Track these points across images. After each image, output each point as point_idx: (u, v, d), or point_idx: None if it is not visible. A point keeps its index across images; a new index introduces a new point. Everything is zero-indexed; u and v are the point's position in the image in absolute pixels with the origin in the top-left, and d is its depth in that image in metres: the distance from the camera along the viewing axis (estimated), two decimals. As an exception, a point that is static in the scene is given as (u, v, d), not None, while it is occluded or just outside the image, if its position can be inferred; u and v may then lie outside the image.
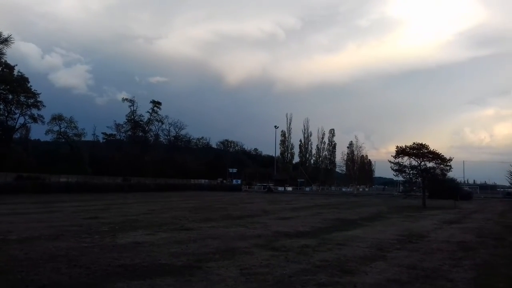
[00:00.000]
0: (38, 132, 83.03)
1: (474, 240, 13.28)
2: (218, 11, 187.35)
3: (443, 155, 34.51)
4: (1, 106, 60.41)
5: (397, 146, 35.58)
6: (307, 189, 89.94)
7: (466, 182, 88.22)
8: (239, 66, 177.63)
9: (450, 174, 40.08)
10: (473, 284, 7.32)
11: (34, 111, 63.71)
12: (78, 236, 11.61)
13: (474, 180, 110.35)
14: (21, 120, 64.37)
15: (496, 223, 19.90)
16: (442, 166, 34.66)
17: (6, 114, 61.18)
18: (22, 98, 61.65)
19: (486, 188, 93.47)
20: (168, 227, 14.10)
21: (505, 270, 8.65)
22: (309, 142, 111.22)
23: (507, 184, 71.02)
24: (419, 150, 34.39)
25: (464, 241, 12.76)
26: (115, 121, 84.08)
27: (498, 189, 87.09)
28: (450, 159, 34.81)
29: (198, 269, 7.67)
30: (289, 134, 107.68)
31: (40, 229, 12.90)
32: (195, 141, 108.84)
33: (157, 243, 10.67)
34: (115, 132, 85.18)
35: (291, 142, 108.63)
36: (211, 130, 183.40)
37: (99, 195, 36.32)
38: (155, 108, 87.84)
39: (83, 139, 77.03)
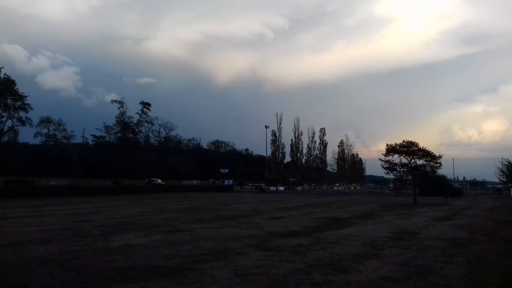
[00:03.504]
0: (26, 135, 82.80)
1: (466, 236, 13.40)
2: (205, 12, 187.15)
3: (432, 153, 34.79)
4: (-12, 110, 59.88)
5: (387, 144, 35.79)
6: (299, 188, 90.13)
7: (456, 179, 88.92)
8: (228, 67, 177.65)
9: (440, 171, 40.45)
10: (466, 280, 7.37)
11: (22, 114, 63.48)
12: (70, 239, 11.51)
13: (464, 177, 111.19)
14: (8, 123, 64.03)
15: (486, 219, 20.10)
16: (432, 163, 34.90)
17: (-7, 118, 60.63)
18: (9, 101, 61.17)
19: (476, 185, 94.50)
20: (161, 229, 14.02)
21: (497, 266, 8.73)
22: (300, 142, 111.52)
23: (496, 180, 71.90)
24: (409, 148, 34.62)
25: (456, 238, 12.88)
26: (104, 123, 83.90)
27: (488, 185, 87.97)
28: (440, 156, 35.10)
29: (192, 271, 7.64)
30: (280, 133, 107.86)
31: (31, 233, 12.77)
32: (185, 142, 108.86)
33: (150, 245, 10.61)
34: (105, 134, 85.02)
35: (282, 141, 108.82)
36: (201, 131, 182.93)
37: (90, 198, 35.99)
38: (145, 109, 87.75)
39: (72, 141, 76.81)
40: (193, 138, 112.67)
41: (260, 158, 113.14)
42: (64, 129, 71.98)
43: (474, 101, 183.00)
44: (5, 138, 68.34)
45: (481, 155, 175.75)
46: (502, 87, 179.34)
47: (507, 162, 63.54)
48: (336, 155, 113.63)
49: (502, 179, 66.84)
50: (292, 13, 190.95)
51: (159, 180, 68.43)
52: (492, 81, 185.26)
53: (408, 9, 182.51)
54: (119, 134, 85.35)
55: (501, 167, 64.50)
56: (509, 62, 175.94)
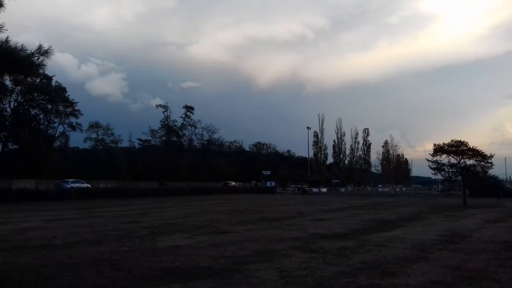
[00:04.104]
0: (77, 140, 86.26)
1: (521, 239, 12.75)
2: (246, 15, 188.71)
3: (483, 152, 33.31)
4: (41, 116, 63.04)
5: (435, 144, 34.63)
6: (342, 189, 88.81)
7: (508, 179, 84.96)
8: (269, 69, 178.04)
9: (492, 172, 38.64)
10: (522, 285, 7.02)
11: (73, 120, 66.24)
12: (120, 240, 11.90)
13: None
14: (60, 128, 66.95)
15: (543, 222, 19.03)
16: (482, 163, 33.44)
17: (46, 123, 63.80)
18: (60, 107, 64.05)
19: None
20: (206, 230, 14.25)
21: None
22: (343, 142, 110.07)
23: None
24: (458, 148, 33.34)
25: (510, 241, 12.26)
26: (149, 127, 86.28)
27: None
28: (491, 156, 33.54)
29: (237, 272, 7.71)
30: (322, 134, 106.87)
31: (83, 234, 13.32)
32: (228, 144, 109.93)
33: (196, 246, 10.80)
34: (150, 138, 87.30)
35: (324, 142, 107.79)
36: (243, 133, 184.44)
37: (136, 200, 37.12)
38: (188, 113, 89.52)
39: (119, 145, 79.23)
40: (235, 141, 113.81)
41: (302, 160, 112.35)
42: (112, 134, 74.56)
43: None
44: (57, 143, 71.58)
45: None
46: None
47: None
48: (381, 156, 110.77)
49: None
50: (333, 13, 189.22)
51: (233, 183, 76.31)
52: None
53: (454, 4, 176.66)
54: (163, 138, 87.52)
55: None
56: None
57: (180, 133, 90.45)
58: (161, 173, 71.08)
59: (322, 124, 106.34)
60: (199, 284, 6.88)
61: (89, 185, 49.31)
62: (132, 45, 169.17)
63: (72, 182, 47.88)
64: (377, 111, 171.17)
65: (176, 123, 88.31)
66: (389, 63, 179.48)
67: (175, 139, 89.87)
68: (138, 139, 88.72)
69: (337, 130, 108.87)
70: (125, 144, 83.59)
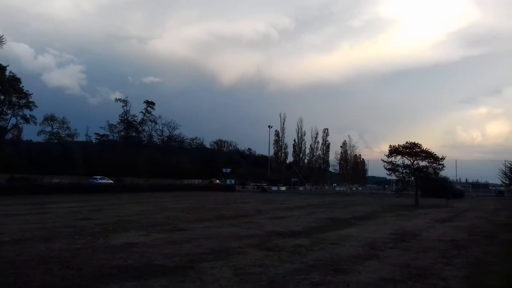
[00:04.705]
0: (30, 133, 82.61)
1: (466, 238, 13.38)
2: (211, 11, 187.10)
3: (435, 154, 34.72)
4: (-7, 107, 60.16)
5: (390, 145, 35.76)
6: (301, 188, 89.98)
7: (458, 180, 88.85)
8: (233, 66, 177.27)
9: (443, 173, 40.30)
10: (466, 282, 7.37)
11: (26, 112, 63.76)
12: (71, 237, 11.55)
13: (466, 179, 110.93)
14: (13, 120, 64.32)
15: (488, 222, 20.05)
16: (434, 165, 34.85)
17: (-3, 115, 60.92)
18: (14, 99, 61.42)
19: (478, 187, 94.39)
20: (162, 228, 14.07)
21: (497, 268, 8.72)
22: (303, 142, 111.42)
23: (499, 182, 71.82)
24: (412, 149, 34.57)
25: (456, 240, 12.84)
26: (108, 121, 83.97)
27: (490, 188, 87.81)
28: (443, 158, 35.01)
29: (192, 270, 7.66)
30: (283, 133, 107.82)
31: (32, 230, 12.83)
32: (188, 141, 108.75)
33: (151, 243, 10.64)
34: (108, 133, 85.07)
35: (285, 141, 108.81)
36: (204, 130, 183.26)
37: (91, 196, 36.09)
38: (149, 108, 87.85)
39: (75, 139, 77.01)
40: (196, 138, 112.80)
41: (263, 158, 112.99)
42: (67, 127, 72.37)
43: (478, 103, 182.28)
44: (9, 136, 68.69)
45: (484, 157, 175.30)
46: (506, 89, 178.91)
47: (510, 164, 63.63)
48: (339, 156, 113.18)
49: (504, 181, 66.99)
50: (297, 13, 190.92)
51: (217, 181, 78.90)
52: (497, 83, 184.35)
53: (414, 10, 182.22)
54: (122, 133, 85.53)
55: (504, 170, 64.65)
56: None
57: (140, 128, 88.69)
58: (119, 169, 69.52)
59: (284, 123, 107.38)
60: (152, 282, 6.78)
61: (111, 181, 56.85)
62: (93, 37, 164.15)
63: (100, 178, 56.31)
64: (337, 112, 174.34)
65: (135, 118, 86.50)
66: (350, 65, 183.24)
67: (134, 134, 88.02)
68: (95, 133, 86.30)
69: (298, 129, 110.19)
70: (81, 138, 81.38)
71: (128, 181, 60.13)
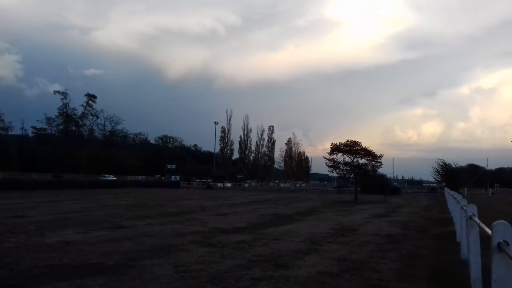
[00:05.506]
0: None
1: (401, 232, 14.08)
2: (157, 4, 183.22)
3: (374, 152, 36.30)
4: None
5: (332, 143, 36.95)
6: (246, 185, 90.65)
7: (395, 177, 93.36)
8: (179, 61, 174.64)
9: (381, 170, 42.36)
10: (398, 275, 7.72)
11: (-45, 103, 59.15)
12: (2, 235, 10.92)
13: (402, 176, 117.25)
14: None
15: (420, 217, 21.21)
16: (373, 162, 36.41)
17: None
18: None
19: (414, 183, 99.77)
20: (101, 225, 13.62)
21: (428, 261, 9.22)
22: (249, 139, 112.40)
23: (432, 179, 76.28)
24: (352, 147, 35.85)
25: (391, 234, 13.49)
26: (46, 114, 79.98)
27: (424, 184, 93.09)
28: (381, 156, 36.70)
29: (131, 268, 7.50)
30: (229, 130, 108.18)
31: (-43, 229, 11.99)
32: (132, 136, 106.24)
33: (89, 241, 10.29)
34: (46, 126, 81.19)
35: (231, 138, 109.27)
36: (149, 125, 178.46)
37: (27, 193, 34.23)
38: (90, 102, 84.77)
39: (10, 133, 72.75)
40: (140, 133, 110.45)
41: (209, 155, 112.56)
42: (1, 120, 68.26)
43: (415, 104, 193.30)
44: None
45: (419, 156, 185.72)
46: (441, 91, 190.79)
47: (442, 162, 67.81)
48: (284, 153, 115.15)
49: (437, 178, 71.25)
50: (244, 11, 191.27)
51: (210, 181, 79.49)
52: (432, 85, 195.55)
53: (358, 13, 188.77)
54: (61, 127, 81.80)
55: (436, 167, 68.77)
56: (447, 67, 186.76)
57: (80, 122, 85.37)
58: (57, 165, 66.45)
59: (230, 120, 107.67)
60: (88, 281, 6.57)
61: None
62: (31, 25, 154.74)
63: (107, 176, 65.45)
64: (282, 109, 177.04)
65: (76, 112, 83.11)
66: (296, 64, 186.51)
67: (74, 128, 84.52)
68: (32, 127, 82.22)
69: (244, 126, 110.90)
70: (16, 131, 77.04)
71: (68, 177, 57.61)
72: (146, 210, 20.40)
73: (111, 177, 67.86)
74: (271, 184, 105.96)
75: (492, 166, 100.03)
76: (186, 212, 19.73)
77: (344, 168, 36.48)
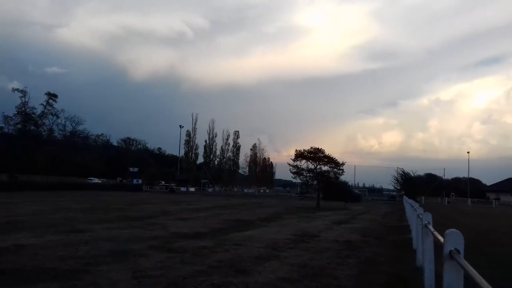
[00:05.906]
0: None
1: (360, 239, 14.38)
2: (124, 4, 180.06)
3: (336, 160, 36.98)
4: None
5: (296, 150, 37.39)
6: (210, 190, 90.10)
7: (356, 185, 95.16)
8: (145, 62, 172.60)
9: (343, 178, 43.06)
10: (356, 281, 7.87)
11: None
12: (-51, 239, 10.39)
13: (363, 184, 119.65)
14: None
15: (379, 224, 21.74)
16: (335, 169, 37.07)
17: None
18: None
19: (374, 191, 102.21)
20: (58, 229, 13.18)
21: (385, 267, 9.43)
22: (214, 143, 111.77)
23: (392, 187, 78.29)
24: (315, 154, 36.40)
25: (351, 240, 13.75)
26: (3, 112, 76.53)
27: (384, 192, 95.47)
28: (343, 163, 37.41)
29: (87, 273, 7.28)
30: (194, 134, 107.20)
31: None
32: (94, 137, 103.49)
33: (44, 245, 9.94)
34: (3, 125, 77.59)
35: (196, 142, 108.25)
36: (112, 127, 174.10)
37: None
38: (50, 101, 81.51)
39: (-39, 131, 69.22)
40: (102, 134, 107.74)
41: (173, 158, 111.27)
42: (-47, 117, 64.86)
43: (376, 113, 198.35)
44: None
45: (380, 164, 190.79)
46: (401, 101, 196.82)
47: (401, 171, 69.70)
48: (248, 158, 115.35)
49: (396, 186, 73.19)
50: (212, 14, 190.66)
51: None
52: (393, 95, 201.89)
53: (324, 22, 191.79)
54: (19, 126, 78.59)
55: (396, 176, 70.67)
56: (408, 79, 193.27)
57: (39, 122, 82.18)
58: (13, 165, 63.83)
59: (195, 124, 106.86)
60: (41, 286, 6.34)
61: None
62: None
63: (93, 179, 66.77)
64: (248, 115, 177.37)
65: (35, 111, 79.99)
66: (262, 70, 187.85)
67: (32, 128, 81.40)
68: (-13, 125, 78.28)
69: (210, 130, 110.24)
70: (-30, 129, 73.36)
71: (24, 178, 55.44)
72: (105, 214, 19.90)
73: (96, 180, 70.18)
74: (235, 189, 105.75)
75: (449, 175, 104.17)
76: (147, 217, 19.39)
77: (308, 174, 36.97)
